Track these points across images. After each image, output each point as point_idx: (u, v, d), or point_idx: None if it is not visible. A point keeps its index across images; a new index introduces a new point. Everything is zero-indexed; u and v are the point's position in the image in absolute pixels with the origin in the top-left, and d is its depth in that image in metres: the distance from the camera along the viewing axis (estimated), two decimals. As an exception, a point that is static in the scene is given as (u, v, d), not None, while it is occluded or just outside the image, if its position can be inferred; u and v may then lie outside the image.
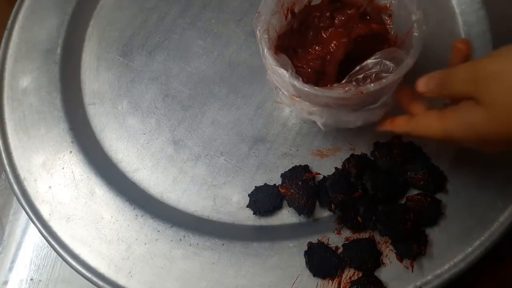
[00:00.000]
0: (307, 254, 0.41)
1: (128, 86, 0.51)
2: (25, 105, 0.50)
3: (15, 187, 0.46)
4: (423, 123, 0.37)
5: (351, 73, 0.38)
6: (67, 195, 0.46)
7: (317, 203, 0.43)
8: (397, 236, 0.40)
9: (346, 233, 0.42)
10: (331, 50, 0.41)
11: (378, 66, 0.38)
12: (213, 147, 0.48)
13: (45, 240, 0.44)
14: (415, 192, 0.43)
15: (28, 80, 0.51)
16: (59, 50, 0.52)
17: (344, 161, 0.45)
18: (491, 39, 0.48)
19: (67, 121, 0.49)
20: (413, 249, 0.40)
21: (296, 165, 0.45)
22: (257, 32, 0.39)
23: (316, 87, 0.37)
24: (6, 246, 0.49)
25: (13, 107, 0.50)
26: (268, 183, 0.45)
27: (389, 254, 0.41)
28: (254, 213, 0.44)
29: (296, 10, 0.43)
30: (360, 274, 0.40)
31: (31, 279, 0.48)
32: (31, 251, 0.49)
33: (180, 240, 0.43)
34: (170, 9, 0.54)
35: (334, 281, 0.40)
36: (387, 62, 0.38)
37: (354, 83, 0.38)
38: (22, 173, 0.47)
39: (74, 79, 0.52)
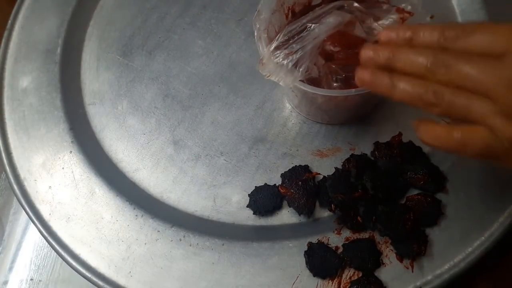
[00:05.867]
0: (307, 254, 0.41)
1: (128, 86, 0.51)
2: (25, 105, 0.50)
3: (15, 187, 0.46)
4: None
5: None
6: (67, 195, 0.46)
7: (317, 203, 0.43)
8: (397, 236, 0.40)
9: (346, 233, 0.42)
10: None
11: None
12: (213, 147, 0.48)
13: (45, 240, 0.44)
14: (415, 192, 0.43)
15: (28, 80, 0.51)
16: (59, 50, 0.52)
17: (344, 161, 0.44)
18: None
19: (67, 121, 0.49)
20: (413, 249, 0.40)
21: (296, 165, 0.45)
22: (256, 30, 0.39)
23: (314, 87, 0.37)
24: (6, 246, 0.49)
25: (13, 107, 0.50)
26: (268, 183, 0.45)
27: (389, 254, 0.41)
28: (254, 213, 0.44)
29: (296, 10, 0.43)
30: (360, 274, 0.40)
31: (31, 279, 0.48)
32: (31, 251, 0.49)
33: (180, 240, 0.43)
34: (170, 9, 0.54)
35: (334, 281, 0.40)
36: None
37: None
38: (22, 173, 0.47)
39: (74, 79, 0.52)
